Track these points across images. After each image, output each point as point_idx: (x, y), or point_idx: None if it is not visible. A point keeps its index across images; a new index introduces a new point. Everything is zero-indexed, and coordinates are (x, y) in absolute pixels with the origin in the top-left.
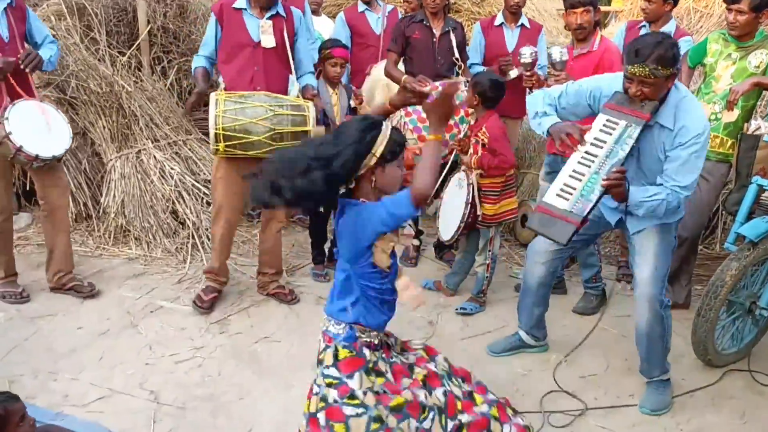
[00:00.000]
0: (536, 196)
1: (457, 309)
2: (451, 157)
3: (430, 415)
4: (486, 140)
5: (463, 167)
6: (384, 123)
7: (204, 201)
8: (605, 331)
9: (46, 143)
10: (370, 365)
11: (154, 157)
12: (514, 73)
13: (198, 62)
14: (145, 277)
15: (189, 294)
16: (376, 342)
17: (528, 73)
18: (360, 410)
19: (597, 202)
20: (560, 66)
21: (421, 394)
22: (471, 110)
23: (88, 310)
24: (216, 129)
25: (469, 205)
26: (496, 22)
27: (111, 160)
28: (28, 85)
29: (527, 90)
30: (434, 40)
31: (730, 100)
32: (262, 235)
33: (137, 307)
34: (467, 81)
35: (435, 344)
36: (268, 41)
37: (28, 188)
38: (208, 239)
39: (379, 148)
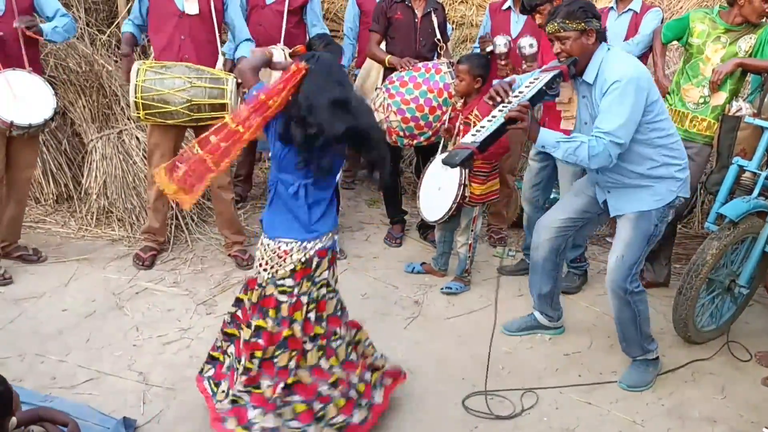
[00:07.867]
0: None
1: (442, 288)
2: (434, 139)
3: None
4: (478, 123)
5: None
6: None
7: None
8: (588, 309)
9: (23, 111)
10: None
11: (137, 137)
12: (489, 48)
13: (126, 27)
14: (129, 258)
15: (174, 275)
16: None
17: (503, 62)
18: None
19: (495, 131)
20: (531, 59)
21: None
22: (454, 92)
23: (73, 291)
24: (135, 98)
25: (462, 186)
26: (504, 6)
27: (92, 140)
28: (20, 57)
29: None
30: (416, 20)
31: (713, 80)
32: (214, 201)
33: (122, 288)
34: (450, 62)
35: (421, 323)
36: (191, 8)
37: None
38: (192, 220)
39: None
